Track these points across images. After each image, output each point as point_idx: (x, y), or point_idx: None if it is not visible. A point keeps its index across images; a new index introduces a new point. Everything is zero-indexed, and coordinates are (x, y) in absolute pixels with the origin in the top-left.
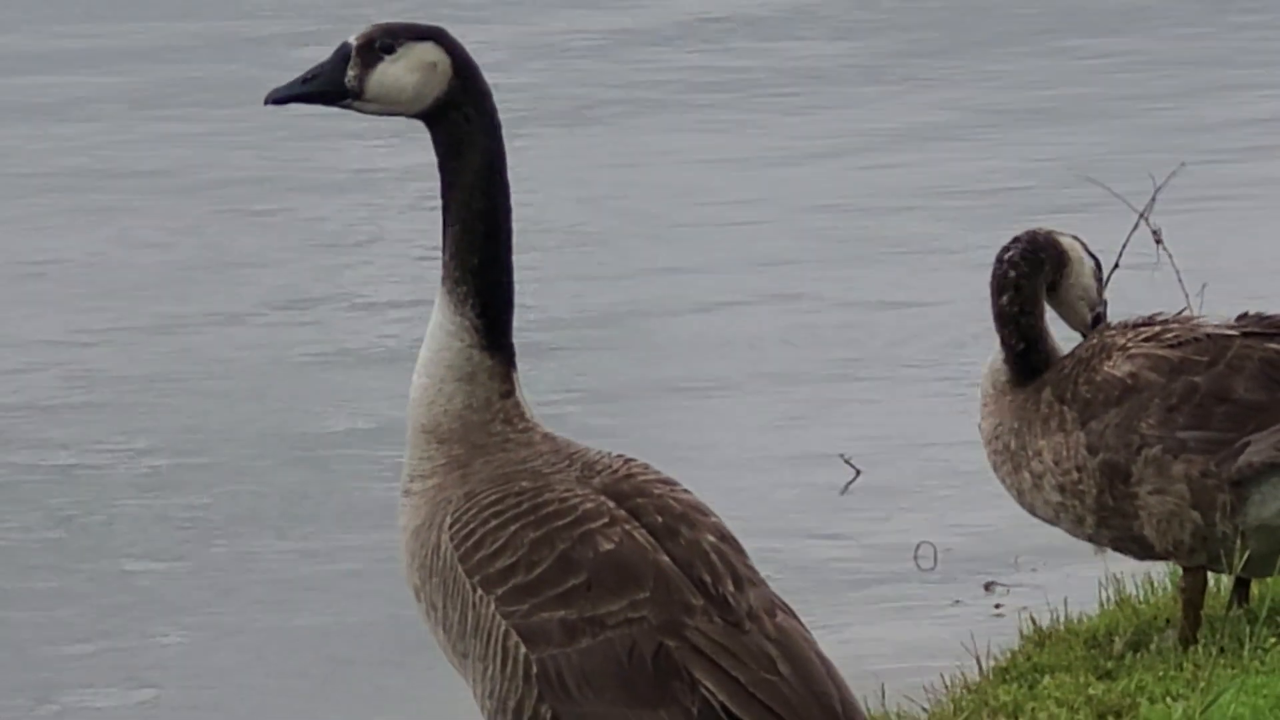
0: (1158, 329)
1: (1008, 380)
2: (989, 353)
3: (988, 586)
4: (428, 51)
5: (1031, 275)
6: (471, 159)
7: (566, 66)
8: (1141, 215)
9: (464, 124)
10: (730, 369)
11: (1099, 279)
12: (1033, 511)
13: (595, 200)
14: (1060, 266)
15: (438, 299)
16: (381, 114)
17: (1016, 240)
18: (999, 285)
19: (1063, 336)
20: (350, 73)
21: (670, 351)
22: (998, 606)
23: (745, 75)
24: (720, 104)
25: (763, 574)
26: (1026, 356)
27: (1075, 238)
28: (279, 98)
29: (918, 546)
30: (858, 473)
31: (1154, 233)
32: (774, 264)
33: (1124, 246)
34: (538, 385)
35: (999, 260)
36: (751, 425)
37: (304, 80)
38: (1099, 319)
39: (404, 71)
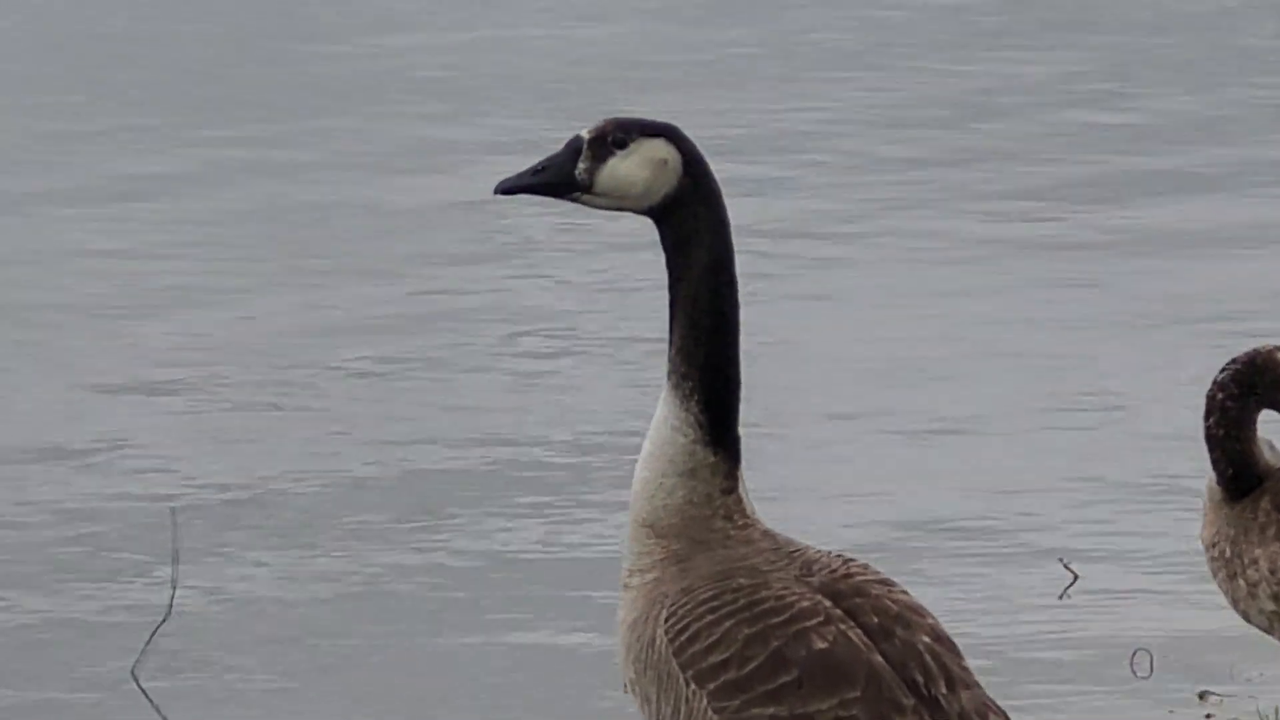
0: None
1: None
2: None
3: (1202, 695)
4: (659, 148)
5: (1241, 398)
6: (699, 255)
7: None
8: None
9: (692, 221)
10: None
11: None
12: (1247, 619)
13: None
14: (1278, 386)
15: (663, 392)
16: (610, 209)
17: (1233, 361)
18: (1208, 407)
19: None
20: (581, 166)
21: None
22: (1208, 717)
23: None
24: None
25: (977, 676)
26: (1236, 481)
27: None
28: (508, 188)
29: (1134, 653)
30: (1075, 577)
31: None
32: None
33: None
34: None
35: (1213, 381)
36: (969, 526)
37: (534, 172)
38: None
39: (635, 167)
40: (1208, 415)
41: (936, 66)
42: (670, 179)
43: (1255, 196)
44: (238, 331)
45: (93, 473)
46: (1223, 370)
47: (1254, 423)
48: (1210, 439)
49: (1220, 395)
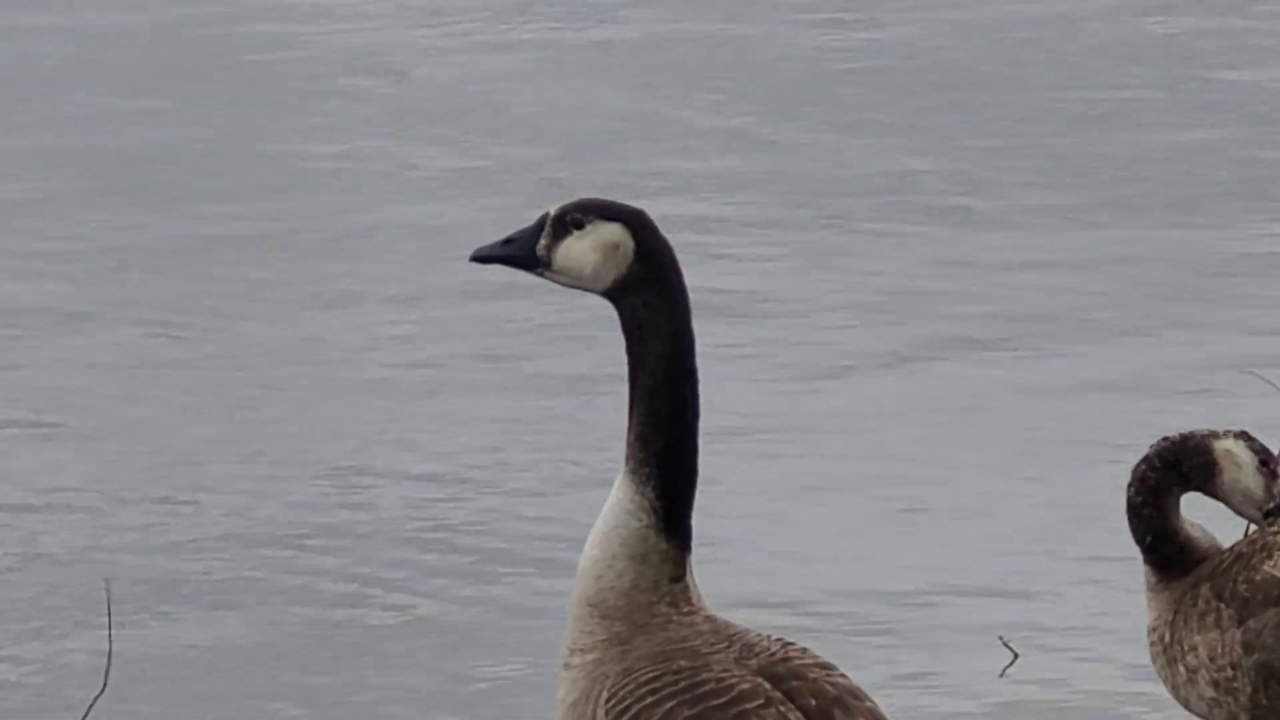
0: None
1: (1160, 577)
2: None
3: None
4: (613, 233)
5: (1164, 471)
6: (654, 344)
7: None
8: None
9: (642, 309)
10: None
11: (1271, 471)
12: (1187, 706)
13: None
14: (1208, 472)
15: (620, 476)
16: (570, 287)
17: (1165, 439)
18: (1130, 478)
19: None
20: (542, 242)
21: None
22: None
23: None
24: None
25: None
26: (1156, 549)
27: (1241, 434)
28: (480, 257)
29: None
30: (1015, 656)
31: None
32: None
33: None
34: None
35: (1142, 455)
36: (907, 604)
37: (504, 242)
38: (1273, 513)
39: (587, 249)
40: (1129, 485)
41: None
42: (620, 264)
43: None
44: None
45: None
46: (1153, 445)
47: (1175, 498)
48: (1129, 507)
49: (1143, 466)
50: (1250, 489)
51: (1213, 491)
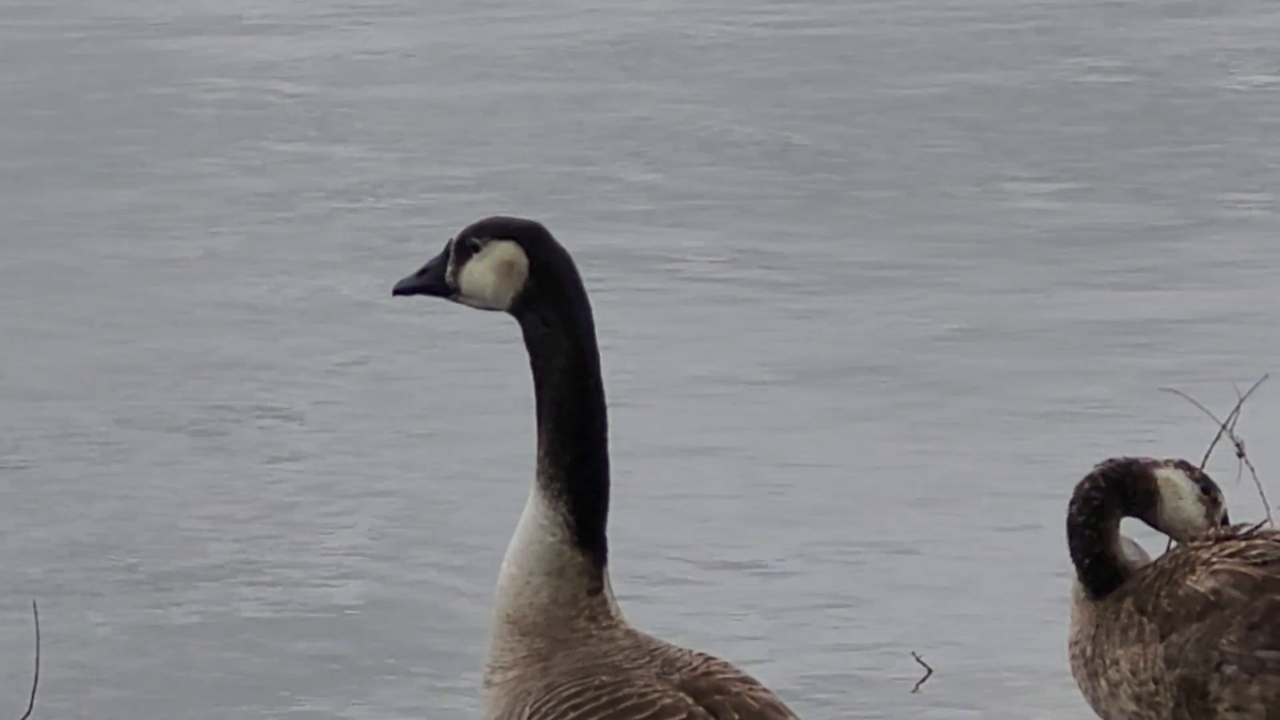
0: (1243, 545)
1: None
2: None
3: None
4: (507, 251)
5: (1107, 493)
6: (556, 360)
7: None
8: (1224, 427)
9: (541, 325)
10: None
11: (1212, 499)
12: (1107, 719)
13: None
14: (1149, 500)
15: (532, 492)
16: (481, 309)
17: (1111, 460)
18: (1074, 496)
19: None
20: (449, 268)
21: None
22: None
23: None
24: None
25: None
26: (1093, 572)
27: (1181, 464)
28: (401, 289)
29: None
30: (929, 671)
31: (1236, 445)
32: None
33: (1205, 458)
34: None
35: (1086, 474)
36: (821, 618)
37: (419, 273)
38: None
39: (486, 270)
40: (1072, 503)
41: None
42: (516, 282)
43: None
44: None
45: None
46: (1098, 465)
47: (1116, 520)
48: (1070, 526)
49: (1087, 485)
50: (1191, 517)
51: (1153, 519)
